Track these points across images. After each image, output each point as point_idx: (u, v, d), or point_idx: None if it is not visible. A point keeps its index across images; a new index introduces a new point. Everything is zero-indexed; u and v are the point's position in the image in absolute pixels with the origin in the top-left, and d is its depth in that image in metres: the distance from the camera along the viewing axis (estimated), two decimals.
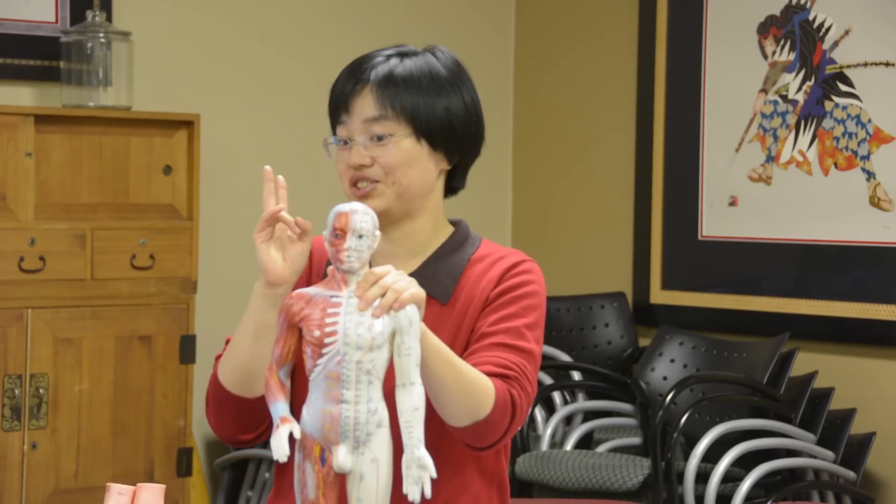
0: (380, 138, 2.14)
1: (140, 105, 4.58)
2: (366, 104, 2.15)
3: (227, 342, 2.18)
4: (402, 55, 2.18)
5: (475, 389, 2.02)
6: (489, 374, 2.07)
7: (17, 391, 4.15)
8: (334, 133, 2.20)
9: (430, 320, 2.11)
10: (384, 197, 2.14)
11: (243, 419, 2.15)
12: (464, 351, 2.15)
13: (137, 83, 4.58)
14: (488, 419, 2.04)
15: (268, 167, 2.07)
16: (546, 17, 5.47)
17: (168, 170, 4.42)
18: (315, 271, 2.23)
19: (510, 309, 2.15)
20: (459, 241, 2.22)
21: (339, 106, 2.18)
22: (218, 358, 2.19)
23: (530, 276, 2.18)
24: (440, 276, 2.18)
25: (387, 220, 2.16)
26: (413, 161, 2.15)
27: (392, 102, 2.14)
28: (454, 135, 2.18)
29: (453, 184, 2.25)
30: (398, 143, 2.14)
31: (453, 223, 2.26)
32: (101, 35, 4.45)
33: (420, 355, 1.79)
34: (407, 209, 2.18)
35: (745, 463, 4.16)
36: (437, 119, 2.15)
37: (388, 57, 2.18)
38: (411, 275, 2.17)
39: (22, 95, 4.56)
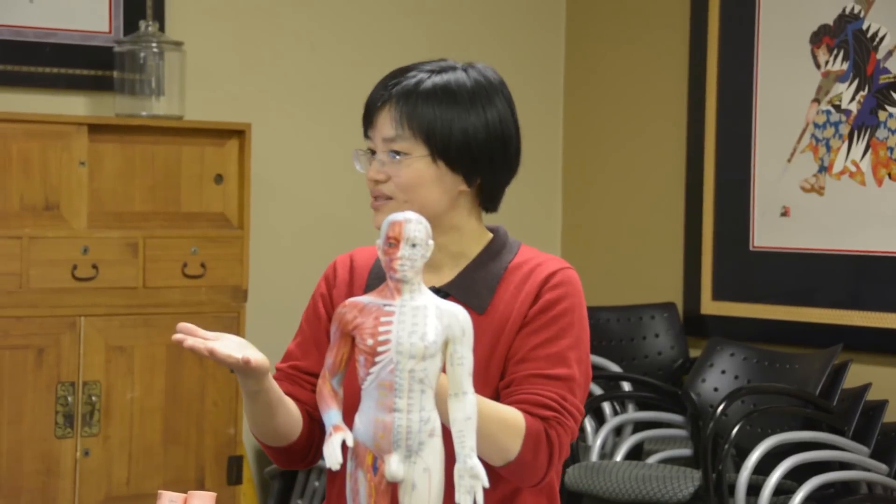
0: (396, 154, 2.13)
1: (192, 114, 4.60)
2: (386, 121, 2.13)
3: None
4: (434, 71, 2.14)
5: (501, 434, 2.02)
6: (526, 413, 2.05)
7: (70, 398, 4.18)
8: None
9: None
10: None
11: (290, 457, 2.20)
12: (502, 365, 2.12)
13: (189, 92, 4.60)
14: (520, 459, 2.04)
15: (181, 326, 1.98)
16: (596, 26, 5.46)
17: (219, 179, 4.44)
18: (356, 284, 2.22)
19: (549, 332, 2.11)
20: (497, 249, 2.19)
21: (365, 119, 2.18)
22: None
23: (566, 290, 2.13)
24: (477, 287, 2.15)
25: None
26: (426, 182, 2.12)
27: (409, 122, 2.11)
28: (471, 158, 2.13)
29: (484, 205, 2.19)
30: (412, 164, 2.12)
31: (491, 230, 2.22)
32: (154, 45, 4.48)
33: (472, 365, 1.78)
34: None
35: (798, 475, 4.12)
36: (454, 141, 2.11)
37: (420, 72, 2.14)
38: (447, 285, 2.16)
39: (75, 105, 4.59)
